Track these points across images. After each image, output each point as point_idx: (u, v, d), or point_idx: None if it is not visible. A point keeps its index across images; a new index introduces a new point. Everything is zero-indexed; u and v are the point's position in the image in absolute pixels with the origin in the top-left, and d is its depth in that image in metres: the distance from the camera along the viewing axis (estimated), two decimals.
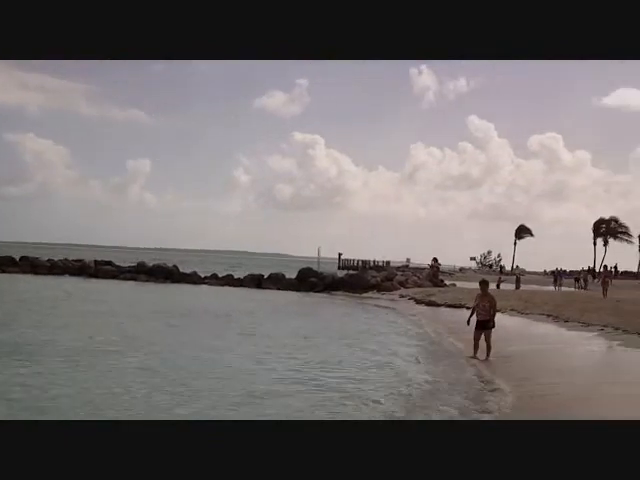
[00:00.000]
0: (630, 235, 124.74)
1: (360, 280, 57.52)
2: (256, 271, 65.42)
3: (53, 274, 60.29)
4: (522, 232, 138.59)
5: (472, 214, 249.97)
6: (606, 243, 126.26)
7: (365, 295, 52.20)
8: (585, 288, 61.63)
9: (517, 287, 60.41)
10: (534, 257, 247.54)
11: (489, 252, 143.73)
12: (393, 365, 17.24)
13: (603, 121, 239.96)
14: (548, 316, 29.15)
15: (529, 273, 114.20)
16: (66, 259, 66.39)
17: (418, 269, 76.77)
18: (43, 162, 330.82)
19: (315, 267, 64.29)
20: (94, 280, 57.05)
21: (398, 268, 77.56)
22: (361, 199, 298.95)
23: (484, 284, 18.47)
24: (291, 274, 59.43)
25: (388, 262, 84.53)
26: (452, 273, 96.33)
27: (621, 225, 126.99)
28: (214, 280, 60.30)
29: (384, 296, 50.27)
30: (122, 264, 65.86)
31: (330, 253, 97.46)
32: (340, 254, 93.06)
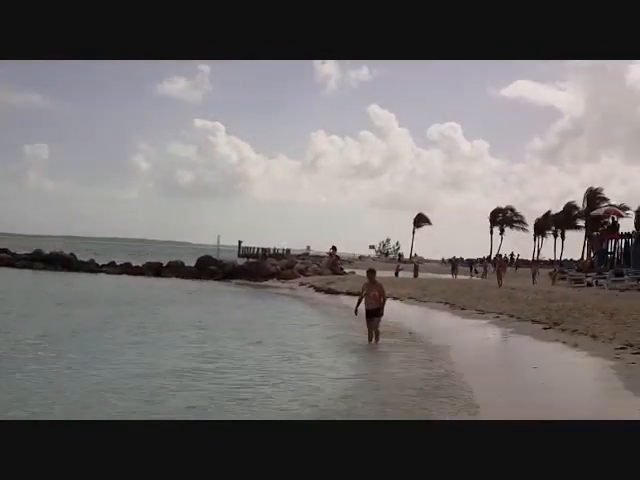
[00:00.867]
0: (526, 224, 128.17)
1: (260, 268, 57.51)
2: (155, 259, 64.44)
3: None
4: (420, 220, 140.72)
5: (372, 202, 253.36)
6: (502, 232, 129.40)
7: (265, 283, 52.20)
8: (484, 277, 62.99)
9: (415, 275, 61.33)
10: (433, 245, 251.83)
11: (388, 240, 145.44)
12: (286, 355, 16.91)
13: (501, 112, 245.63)
14: (445, 304, 29.68)
15: (427, 261, 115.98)
16: None
17: (318, 257, 76.88)
18: None
19: (215, 255, 63.84)
20: None
21: (298, 256, 77.56)
22: (262, 187, 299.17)
23: (371, 273, 18.62)
24: (191, 262, 58.87)
25: (288, 250, 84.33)
26: (352, 261, 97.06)
27: (517, 214, 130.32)
28: (112, 268, 59.03)
29: (284, 284, 50.38)
30: (18, 252, 63.78)
31: (231, 241, 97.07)
32: (240, 242, 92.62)
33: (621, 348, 14.88)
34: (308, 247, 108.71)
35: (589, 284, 40.57)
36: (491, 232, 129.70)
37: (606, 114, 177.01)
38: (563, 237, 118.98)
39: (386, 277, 49.19)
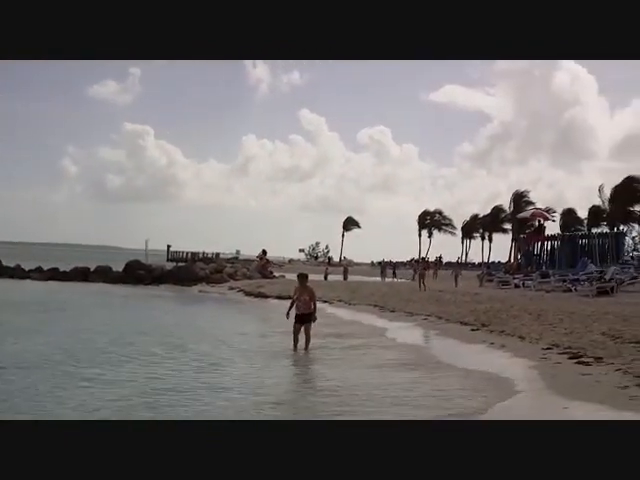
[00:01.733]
0: (454, 227, 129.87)
1: (189, 272, 57.05)
2: (83, 264, 63.08)
3: None
4: (350, 224, 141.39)
5: (303, 206, 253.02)
6: (431, 235, 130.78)
7: (194, 287, 51.74)
8: (414, 279, 63.43)
9: (345, 278, 61.55)
10: (363, 248, 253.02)
11: (317, 244, 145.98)
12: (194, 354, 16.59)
13: (430, 116, 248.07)
14: (375, 306, 29.73)
15: (357, 264, 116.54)
16: None
17: (248, 261, 76.64)
18: None
19: (144, 259, 63.03)
20: None
21: (228, 260, 77.28)
22: (192, 191, 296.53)
23: (302, 277, 18.46)
24: (120, 267, 57.91)
25: (218, 254, 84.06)
26: (282, 265, 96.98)
27: (445, 217, 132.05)
28: (38, 274, 57.60)
29: (213, 288, 49.98)
30: None
31: (160, 245, 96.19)
32: (169, 246, 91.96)
33: (547, 348, 15.01)
34: (237, 251, 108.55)
35: (516, 286, 41.11)
36: (419, 235, 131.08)
37: (534, 119, 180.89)
38: (490, 240, 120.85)
39: (315, 280, 49.25)
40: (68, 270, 57.92)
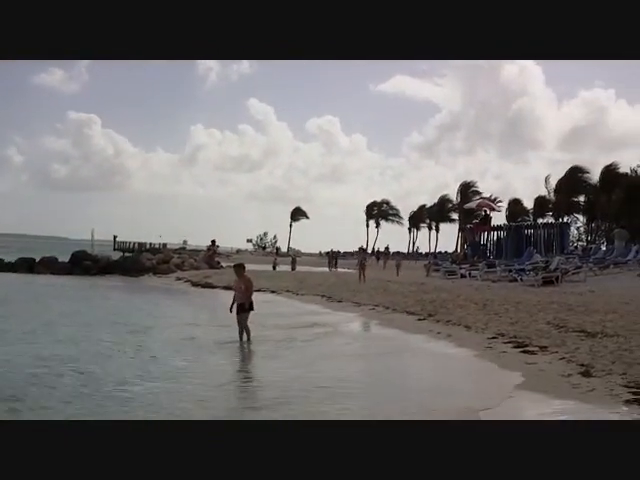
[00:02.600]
0: (401, 217, 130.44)
1: (135, 263, 56.62)
2: (29, 254, 61.97)
3: None
4: (297, 214, 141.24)
5: (251, 196, 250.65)
6: (378, 225, 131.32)
7: (140, 278, 51.29)
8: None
9: (293, 268, 61.57)
10: (311, 238, 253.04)
11: (265, 234, 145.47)
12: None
13: (379, 107, 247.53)
14: (322, 296, 29.73)
15: (305, 254, 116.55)
16: None
17: (195, 251, 76.05)
18: None
19: (90, 250, 62.22)
20: None
21: (175, 250, 76.43)
22: (140, 180, 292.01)
23: (238, 267, 18.36)
24: (66, 257, 57.07)
25: (165, 244, 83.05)
26: (229, 255, 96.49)
27: (392, 207, 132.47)
28: None
29: (160, 279, 49.60)
30: None
31: (106, 235, 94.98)
32: (115, 236, 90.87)
33: (493, 338, 15.12)
34: (185, 241, 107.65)
35: (462, 276, 41.39)
36: (367, 225, 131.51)
37: (482, 109, 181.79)
38: (437, 230, 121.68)
39: (264, 271, 49.23)
40: (13, 261, 56.85)
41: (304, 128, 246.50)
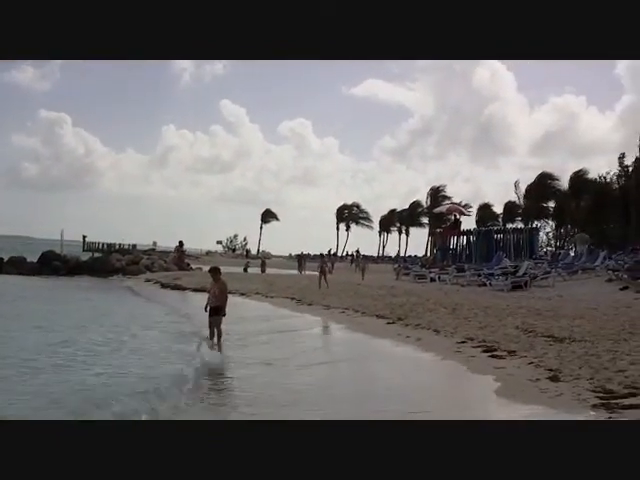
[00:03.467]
0: (371, 221, 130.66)
1: (105, 264, 56.36)
2: None
3: None
4: (268, 216, 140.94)
5: (222, 197, 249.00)
6: (348, 228, 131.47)
7: (109, 279, 50.97)
8: (331, 272, 63.84)
9: (263, 271, 61.51)
10: (282, 241, 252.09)
11: (235, 236, 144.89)
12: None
13: (352, 110, 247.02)
14: (292, 299, 29.69)
15: (275, 257, 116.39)
16: None
17: (165, 253, 75.73)
18: None
19: (59, 250, 61.72)
20: None
21: (145, 252, 76.15)
22: (110, 181, 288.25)
23: (214, 271, 18.30)
24: (35, 257, 56.51)
25: (134, 245, 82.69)
26: (199, 257, 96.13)
27: (362, 211, 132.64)
28: None
29: (130, 280, 49.27)
30: None
31: (76, 235, 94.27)
32: (85, 236, 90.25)
33: (462, 342, 15.18)
34: (154, 243, 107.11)
35: (432, 280, 41.53)
36: (337, 229, 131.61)
37: (454, 114, 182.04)
38: (408, 234, 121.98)
39: (236, 273, 49.13)
40: None
41: (276, 130, 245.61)
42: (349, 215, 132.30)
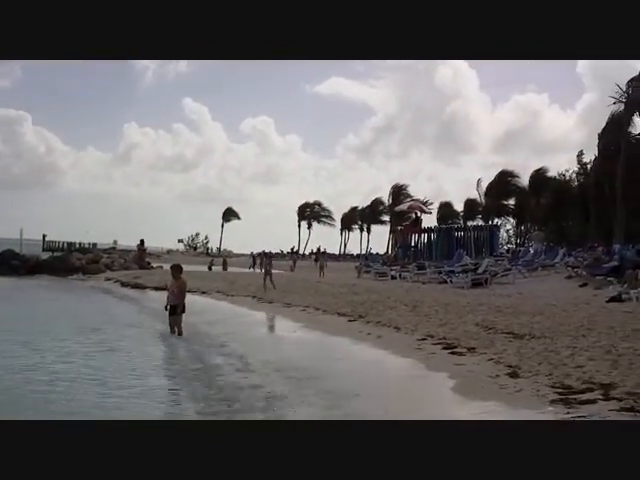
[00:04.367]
0: (333, 219, 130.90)
1: (65, 263, 55.80)
2: None
3: None
4: (229, 215, 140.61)
5: (184, 196, 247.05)
6: (310, 226, 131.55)
7: (70, 278, 50.48)
8: (292, 270, 64.12)
9: (224, 269, 61.48)
10: (244, 239, 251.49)
11: (197, 234, 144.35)
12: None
13: (315, 108, 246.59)
14: (253, 297, 29.58)
15: (237, 255, 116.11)
16: None
17: (125, 251, 75.16)
18: None
19: (18, 249, 60.94)
20: None
21: (105, 250, 75.48)
22: (72, 179, 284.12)
23: (174, 269, 18.25)
24: None
25: (95, 244, 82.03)
26: (160, 255, 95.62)
27: (324, 209, 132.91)
28: None
29: (90, 279, 48.83)
30: None
31: (36, 234, 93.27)
32: (44, 235, 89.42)
33: (422, 339, 15.20)
34: (115, 241, 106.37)
35: (393, 277, 41.63)
36: (299, 226, 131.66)
37: (417, 112, 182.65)
38: (369, 231, 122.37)
39: (198, 271, 48.92)
40: None
41: (239, 129, 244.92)
42: (311, 213, 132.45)
